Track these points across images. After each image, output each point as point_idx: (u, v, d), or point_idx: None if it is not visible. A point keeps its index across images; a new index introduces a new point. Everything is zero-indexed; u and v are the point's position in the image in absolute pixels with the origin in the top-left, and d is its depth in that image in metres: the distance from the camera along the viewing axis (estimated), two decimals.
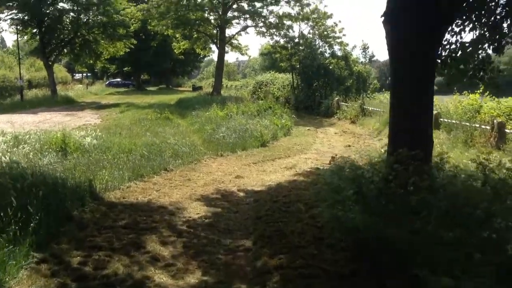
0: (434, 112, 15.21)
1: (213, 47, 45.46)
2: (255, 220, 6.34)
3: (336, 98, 24.73)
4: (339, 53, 31.47)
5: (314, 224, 5.94)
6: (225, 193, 7.89)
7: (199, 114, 18.72)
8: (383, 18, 6.81)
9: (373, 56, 33.50)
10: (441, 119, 14.62)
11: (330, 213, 5.47)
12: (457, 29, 6.97)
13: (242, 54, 39.02)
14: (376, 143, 14.37)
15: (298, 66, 31.21)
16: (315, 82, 29.18)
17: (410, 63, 6.43)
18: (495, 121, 11.87)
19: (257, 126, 14.82)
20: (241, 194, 7.90)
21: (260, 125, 15.10)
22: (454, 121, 13.83)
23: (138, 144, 11.23)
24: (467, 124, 13.09)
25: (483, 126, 12.31)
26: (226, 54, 40.33)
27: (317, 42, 31.78)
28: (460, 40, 6.93)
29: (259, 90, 37.63)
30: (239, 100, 23.74)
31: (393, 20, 6.57)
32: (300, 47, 31.31)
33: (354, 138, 15.94)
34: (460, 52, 7.00)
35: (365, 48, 33.20)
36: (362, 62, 32.08)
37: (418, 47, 6.32)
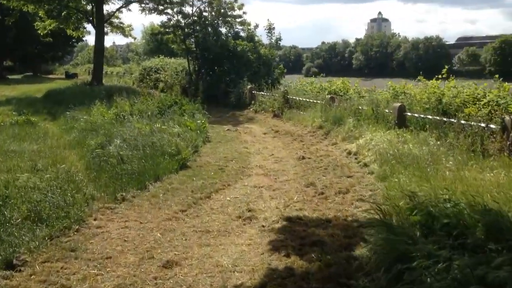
0: (397, 104, 11.90)
1: (89, 27, 38.86)
2: None
3: (249, 86, 20.67)
4: (242, 34, 27.35)
5: None
6: None
7: (77, 116, 13.36)
8: None
9: (280, 38, 29.68)
10: (407, 114, 11.27)
11: None
12: None
13: (126, 36, 33.01)
14: (334, 151, 10.57)
15: (195, 49, 26.49)
16: (219, 67, 24.84)
17: None
18: (506, 118, 8.65)
19: (167, 134, 10.14)
20: None
21: (171, 133, 10.43)
22: (430, 117, 10.51)
23: None
24: (450, 121, 9.83)
25: (480, 124, 9.04)
26: (105, 36, 33.99)
27: (215, 22, 27.25)
28: None
29: (148, 77, 32.36)
30: (130, 92, 18.50)
31: None
32: (197, 27, 26.52)
33: (296, 141, 12.00)
34: None
35: (270, 29, 29.61)
36: (269, 44, 28.36)
37: None
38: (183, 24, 26.85)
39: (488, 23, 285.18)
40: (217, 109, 20.40)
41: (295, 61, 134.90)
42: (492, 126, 8.80)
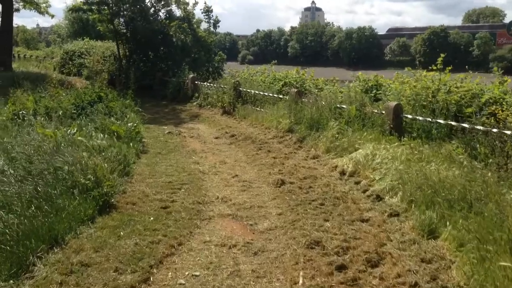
0: (393, 103, 9.28)
1: None
2: None
3: (191, 76, 17.39)
4: (178, 14, 23.83)
5: None
6: None
7: None
8: None
9: (219, 21, 26.44)
10: (408, 116, 8.65)
11: None
12: None
13: (41, 13, 28.20)
14: (320, 169, 7.71)
15: (125, 30, 22.63)
16: (154, 53, 21.25)
17: None
18: None
19: (83, 149, 6.79)
20: None
21: (90, 147, 7.10)
22: (442, 121, 7.94)
23: None
24: (475, 128, 7.26)
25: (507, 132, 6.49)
26: (17, 13, 29.06)
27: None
28: None
29: (71, 62, 28.12)
30: (41, 81, 14.64)
31: None
32: (127, 5, 22.58)
33: (262, 151, 9.04)
34: None
35: (208, 11, 26.27)
36: (207, 29, 25.06)
37: None
38: (110, 0, 22.80)
39: (413, 15, 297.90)
40: (153, 102, 17.03)
41: (230, 48, 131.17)
42: None
